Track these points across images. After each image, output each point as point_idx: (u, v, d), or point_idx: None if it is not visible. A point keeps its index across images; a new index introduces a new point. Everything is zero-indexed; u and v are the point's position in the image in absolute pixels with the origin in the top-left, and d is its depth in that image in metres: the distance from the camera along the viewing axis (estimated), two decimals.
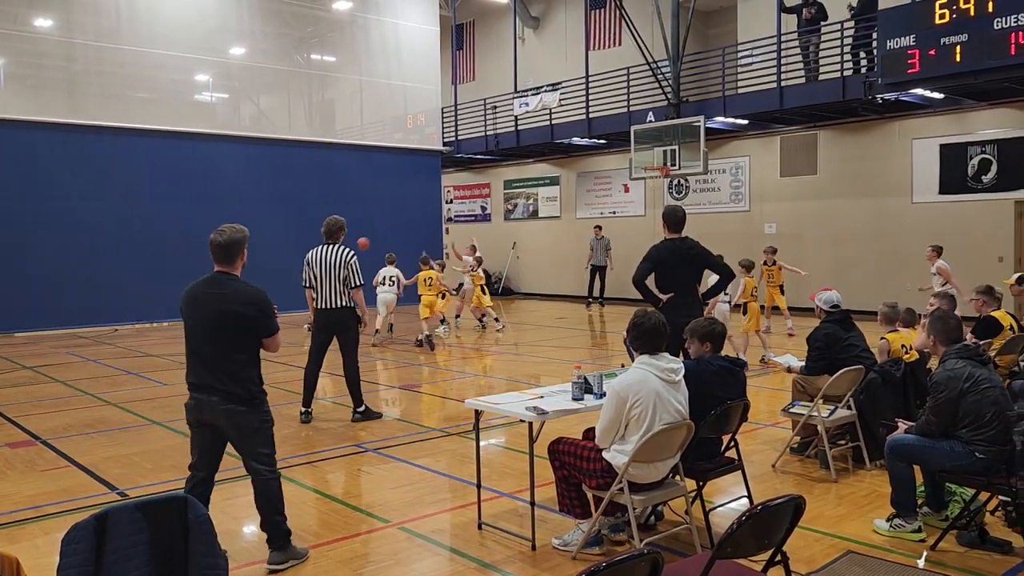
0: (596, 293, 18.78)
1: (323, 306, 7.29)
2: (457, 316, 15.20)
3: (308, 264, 7.35)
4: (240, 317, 4.10)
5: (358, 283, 7.32)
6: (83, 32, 15.89)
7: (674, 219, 6.40)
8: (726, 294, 9.37)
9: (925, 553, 4.21)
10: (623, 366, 5.02)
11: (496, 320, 14.91)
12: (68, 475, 5.97)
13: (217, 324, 4.09)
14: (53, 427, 7.51)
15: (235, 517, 4.92)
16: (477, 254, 14.85)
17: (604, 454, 4.10)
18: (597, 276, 18.74)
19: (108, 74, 16.36)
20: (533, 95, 19.07)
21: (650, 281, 6.32)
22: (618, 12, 17.65)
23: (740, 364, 4.70)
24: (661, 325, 4.12)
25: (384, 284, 12.86)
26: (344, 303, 7.30)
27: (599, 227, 18.87)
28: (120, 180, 15.80)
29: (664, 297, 6.24)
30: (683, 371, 4.15)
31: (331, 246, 7.35)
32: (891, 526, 4.47)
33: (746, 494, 4.81)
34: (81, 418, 7.91)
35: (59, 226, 15.08)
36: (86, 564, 2.40)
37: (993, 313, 7.16)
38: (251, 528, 4.75)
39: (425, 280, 12.87)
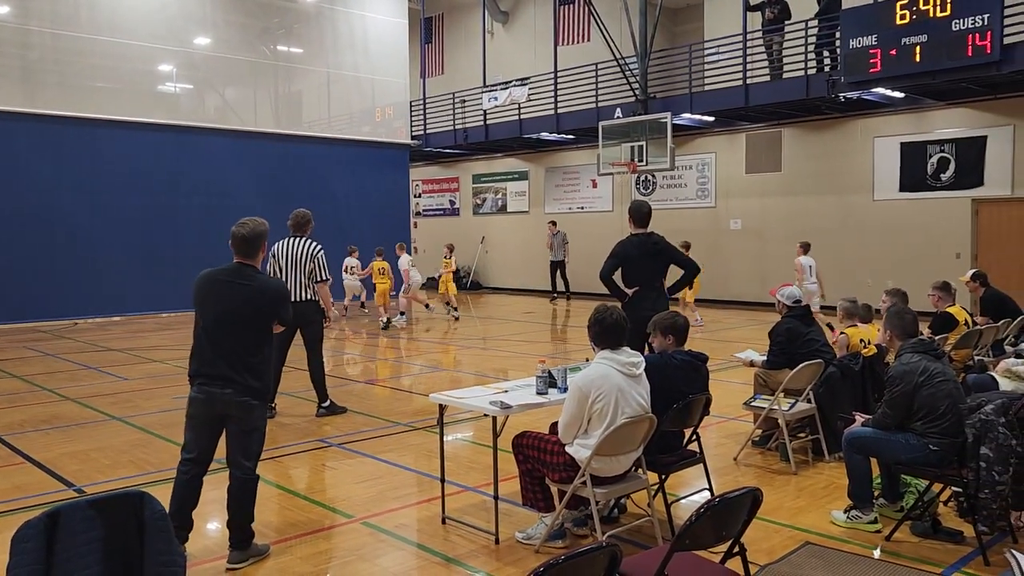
0: (560, 287, 18.85)
1: None
2: (427, 305, 15.49)
3: (274, 256, 7.26)
4: (266, 313, 4.15)
5: (323, 277, 7.25)
6: (40, 19, 15.48)
7: (639, 214, 6.45)
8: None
9: (880, 544, 4.30)
10: (587, 360, 5.04)
11: (454, 308, 15.90)
12: (23, 472, 5.84)
13: (243, 317, 4.08)
14: (8, 423, 7.34)
15: (197, 514, 4.85)
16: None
17: (567, 448, 4.11)
18: (558, 271, 18.82)
19: (67, 63, 15.96)
20: (502, 89, 19.04)
21: (617, 276, 6.37)
22: (586, 8, 17.69)
23: (703, 358, 4.75)
24: (622, 320, 4.16)
25: (344, 272, 15.05)
26: (308, 296, 7.23)
27: (554, 223, 18.92)
28: (80, 171, 15.44)
29: (630, 292, 6.29)
30: (644, 365, 4.19)
31: (298, 239, 7.27)
32: (848, 517, 4.56)
33: (707, 487, 4.87)
34: (37, 414, 7.74)
35: (16, 217, 14.69)
36: (36, 563, 2.35)
37: (949, 309, 7.33)
38: (214, 525, 4.70)
39: (379, 270, 14.28)
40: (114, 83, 16.66)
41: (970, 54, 11.47)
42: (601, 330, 4.13)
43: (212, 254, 4.28)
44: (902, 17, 12.12)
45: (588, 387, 3.99)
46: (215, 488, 4.47)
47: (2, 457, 6.24)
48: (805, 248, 12.81)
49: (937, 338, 6.59)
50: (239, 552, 4.15)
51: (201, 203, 16.46)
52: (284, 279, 7.18)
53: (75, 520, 2.46)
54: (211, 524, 4.72)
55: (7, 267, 14.55)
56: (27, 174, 14.86)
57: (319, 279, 7.22)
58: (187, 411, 4.19)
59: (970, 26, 11.43)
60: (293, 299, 7.12)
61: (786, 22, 14.98)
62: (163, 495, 4.11)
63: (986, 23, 11.28)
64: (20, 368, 10.41)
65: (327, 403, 7.54)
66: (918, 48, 11.98)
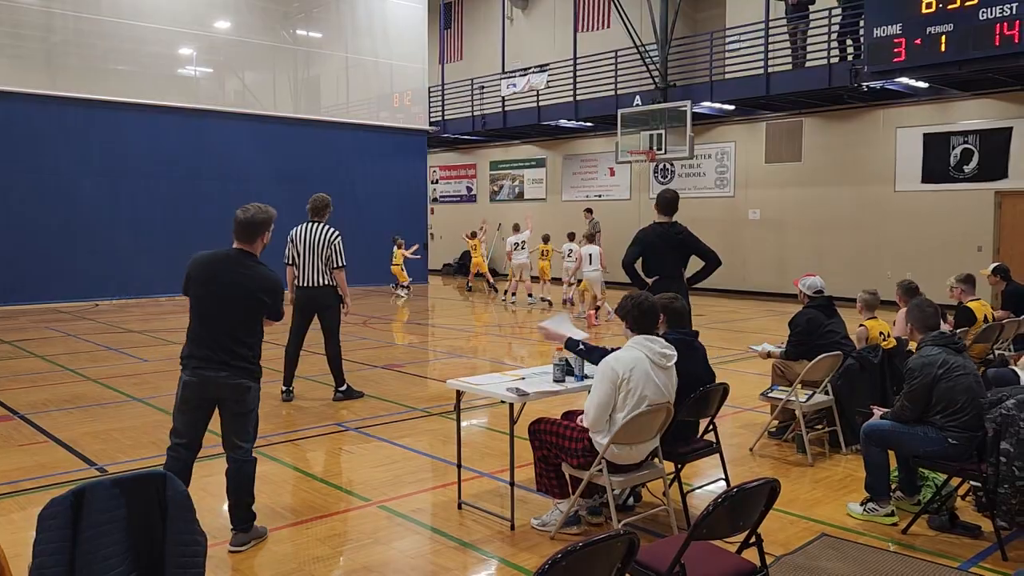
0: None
1: (304, 284, 7.24)
2: (529, 295, 16.20)
3: (292, 241, 7.28)
4: (260, 302, 4.14)
5: (341, 264, 7.26)
6: (62, 3, 15.60)
7: (665, 202, 6.42)
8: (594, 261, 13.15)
9: (897, 537, 4.28)
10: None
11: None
12: (46, 450, 5.93)
13: (238, 303, 4.09)
14: (31, 402, 7.45)
15: (213, 494, 4.92)
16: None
17: (592, 434, 4.11)
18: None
19: (88, 46, 16.08)
20: (520, 76, 18.97)
21: (638, 265, 6.36)
22: None
23: (693, 334, 4.72)
24: (657, 307, 4.23)
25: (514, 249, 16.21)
26: (325, 282, 7.24)
27: (589, 210, 18.63)
28: (101, 153, 15.61)
29: (649, 281, 6.28)
30: (676, 358, 4.17)
31: (316, 224, 7.28)
32: (865, 510, 4.55)
33: (723, 477, 4.87)
34: (60, 393, 7.85)
35: (39, 199, 14.88)
36: (62, 540, 2.39)
37: (970, 303, 7.25)
38: (220, 507, 4.74)
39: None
40: (135, 66, 16.76)
41: (997, 44, 11.27)
42: (639, 314, 4.15)
43: (229, 237, 4.28)
44: (928, 6, 11.92)
45: (620, 370, 3.98)
46: (222, 472, 4.50)
47: (26, 435, 6.34)
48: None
49: (958, 331, 6.52)
50: (242, 535, 4.18)
51: (219, 186, 16.57)
52: (301, 264, 7.21)
53: (100, 498, 2.50)
54: (227, 505, 4.76)
55: (29, 248, 14.74)
56: (49, 156, 15.02)
57: (336, 265, 7.23)
58: (180, 395, 4.15)
59: (998, 15, 11.23)
60: (310, 284, 7.20)
61: (810, 8, 14.80)
62: None
63: (1014, 12, 11.07)
64: (42, 348, 10.56)
65: (344, 387, 7.58)
66: (944, 37, 11.79)
